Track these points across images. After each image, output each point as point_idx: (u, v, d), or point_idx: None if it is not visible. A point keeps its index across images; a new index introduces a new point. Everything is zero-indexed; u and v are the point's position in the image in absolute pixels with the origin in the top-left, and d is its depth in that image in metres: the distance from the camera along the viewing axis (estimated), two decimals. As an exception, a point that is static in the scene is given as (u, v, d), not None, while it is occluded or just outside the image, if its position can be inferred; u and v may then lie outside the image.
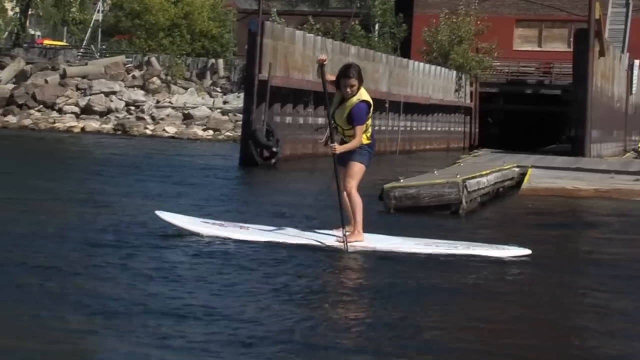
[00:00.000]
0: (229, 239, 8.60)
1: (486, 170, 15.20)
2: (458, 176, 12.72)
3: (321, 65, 8.60)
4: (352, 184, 8.54)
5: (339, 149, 8.50)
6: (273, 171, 21.00)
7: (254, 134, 21.51)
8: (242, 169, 21.13)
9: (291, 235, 8.79)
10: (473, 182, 13.16)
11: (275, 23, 24.68)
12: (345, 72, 8.46)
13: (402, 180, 12.82)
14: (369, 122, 8.57)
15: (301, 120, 24.33)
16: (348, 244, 8.39)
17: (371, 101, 8.58)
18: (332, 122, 8.56)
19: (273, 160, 21.88)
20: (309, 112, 24.68)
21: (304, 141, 24.37)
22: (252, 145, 21.52)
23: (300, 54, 23.95)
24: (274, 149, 21.91)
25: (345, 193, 8.55)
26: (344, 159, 8.59)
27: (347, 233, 8.53)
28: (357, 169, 8.55)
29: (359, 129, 8.39)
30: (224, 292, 6.56)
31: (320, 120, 25.39)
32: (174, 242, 8.59)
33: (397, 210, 12.25)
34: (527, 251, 8.74)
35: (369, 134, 8.60)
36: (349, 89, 8.39)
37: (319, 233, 8.88)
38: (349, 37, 43.01)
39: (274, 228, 9.07)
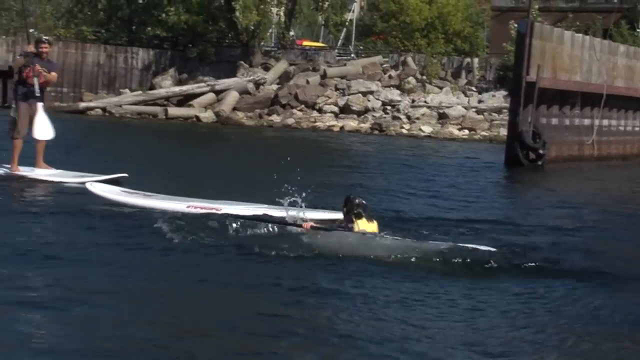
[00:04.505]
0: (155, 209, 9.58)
1: None
2: None
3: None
4: None
5: None
6: (540, 173, 20.79)
7: (520, 136, 21.35)
8: (507, 169, 21.13)
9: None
10: None
11: (544, 24, 24.29)
12: None
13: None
14: None
15: (567, 122, 23.84)
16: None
17: None
18: None
19: (539, 162, 21.64)
20: (576, 114, 24.14)
21: (570, 143, 23.92)
22: (518, 147, 21.37)
23: (568, 54, 23.46)
24: (541, 151, 21.65)
25: None
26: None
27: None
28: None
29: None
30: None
31: (587, 122, 24.78)
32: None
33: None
34: None
35: None
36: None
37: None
38: (612, 34, 41.38)
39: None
